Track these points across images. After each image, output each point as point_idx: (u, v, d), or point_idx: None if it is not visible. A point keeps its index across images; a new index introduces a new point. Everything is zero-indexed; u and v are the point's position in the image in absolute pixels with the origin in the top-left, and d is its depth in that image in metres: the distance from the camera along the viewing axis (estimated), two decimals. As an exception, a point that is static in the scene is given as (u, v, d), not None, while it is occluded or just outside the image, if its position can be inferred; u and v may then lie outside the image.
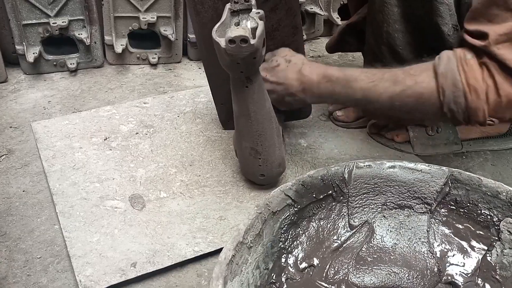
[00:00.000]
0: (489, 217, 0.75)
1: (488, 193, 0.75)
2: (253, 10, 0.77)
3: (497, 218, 0.74)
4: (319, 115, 1.25)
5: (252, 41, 0.70)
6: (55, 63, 1.41)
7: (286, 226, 0.75)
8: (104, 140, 1.13)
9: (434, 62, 0.80)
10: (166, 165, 1.05)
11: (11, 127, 1.19)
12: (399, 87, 0.81)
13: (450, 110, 0.80)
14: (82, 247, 0.84)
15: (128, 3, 1.38)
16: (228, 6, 0.79)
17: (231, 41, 0.70)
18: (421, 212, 0.80)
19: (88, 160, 1.06)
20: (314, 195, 0.77)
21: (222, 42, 0.71)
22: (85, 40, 1.35)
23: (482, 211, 0.75)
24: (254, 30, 0.75)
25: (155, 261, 0.81)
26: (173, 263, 0.81)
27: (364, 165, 0.80)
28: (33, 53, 1.34)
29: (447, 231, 0.78)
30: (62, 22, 1.33)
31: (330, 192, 0.79)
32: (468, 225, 0.77)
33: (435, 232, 0.79)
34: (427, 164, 0.79)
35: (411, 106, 0.82)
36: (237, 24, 0.79)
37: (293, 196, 0.75)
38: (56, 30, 1.33)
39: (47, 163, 1.04)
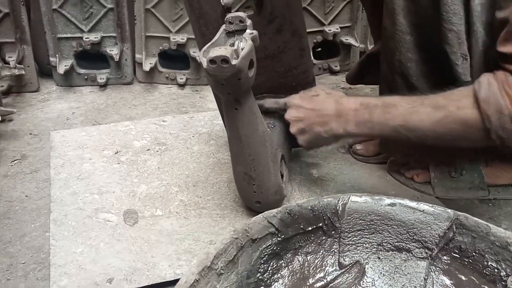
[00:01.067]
0: (496, 270, 0.66)
1: (497, 243, 0.66)
2: (247, 30, 0.75)
3: (504, 273, 0.65)
4: (338, 147, 1.19)
5: (234, 62, 0.68)
6: (86, 77, 1.45)
7: (266, 256, 0.70)
8: (115, 153, 1.13)
9: (474, 87, 0.75)
10: (170, 183, 1.03)
11: (31, 134, 1.22)
12: (442, 113, 0.76)
13: (499, 137, 0.73)
14: (64, 257, 0.82)
15: (160, 23, 1.41)
16: (223, 27, 0.77)
17: (211, 61, 0.68)
18: (420, 258, 0.72)
19: (94, 171, 1.06)
20: (301, 226, 0.72)
21: (204, 62, 0.69)
22: (114, 56, 1.37)
23: (489, 263, 0.67)
24: None
25: (132, 279, 0.78)
26: (150, 284, 0.78)
27: (361, 199, 0.73)
28: (65, 66, 1.38)
29: (447, 281, 0.70)
30: (95, 37, 1.37)
31: (321, 224, 0.73)
32: (472, 277, 0.68)
33: (434, 282, 0.70)
34: (430, 205, 0.72)
35: (456, 133, 0.76)
36: (232, 45, 0.76)
37: (277, 225, 0.70)
38: (88, 45, 1.37)
39: (54, 171, 1.05)
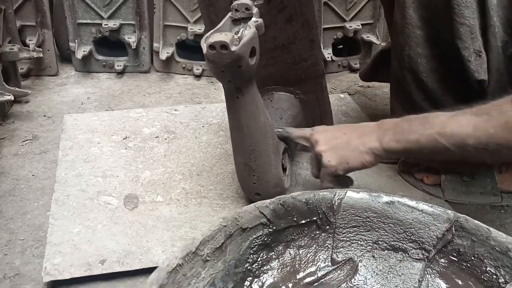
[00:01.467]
0: (494, 276, 0.63)
1: (497, 249, 0.63)
2: (252, 18, 0.74)
3: (503, 279, 0.62)
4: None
5: (233, 48, 0.66)
6: (104, 63, 1.47)
7: (256, 246, 0.68)
8: (123, 139, 1.13)
9: None
10: (174, 171, 1.03)
11: (45, 116, 1.24)
12: (483, 118, 0.70)
13: None
14: (61, 236, 0.83)
15: (178, 12, 1.41)
16: (229, 14, 0.76)
17: (211, 46, 0.67)
18: (416, 259, 0.69)
19: (101, 155, 1.06)
20: (294, 219, 0.70)
21: (204, 48, 0.68)
22: (132, 44, 1.38)
23: (488, 269, 0.64)
24: None
25: (125, 262, 0.78)
26: (142, 267, 0.77)
27: (358, 195, 0.71)
28: (83, 51, 1.40)
29: (443, 285, 0.67)
30: (113, 24, 1.39)
31: (315, 218, 0.71)
32: (469, 282, 0.65)
33: (429, 284, 0.68)
34: (429, 205, 0.69)
35: (498, 139, 0.69)
36: (237, 32, 0.75)
37: (269, 215, 0.68)
38: (107, 31, 1.39)
39: (62, 153, 1.06)
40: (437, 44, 0.84)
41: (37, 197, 0.95)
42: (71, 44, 1.42)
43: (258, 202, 0.69)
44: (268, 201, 0.69)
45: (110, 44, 1.49)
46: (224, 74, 0.72)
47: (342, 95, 1.43)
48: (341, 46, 1.67)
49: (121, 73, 1.48)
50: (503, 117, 0.68)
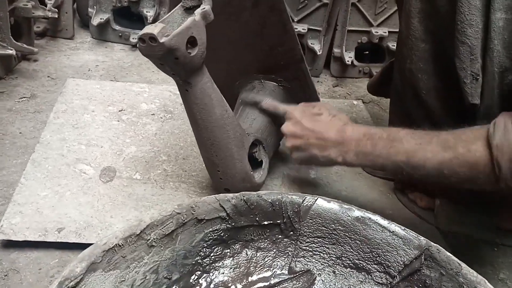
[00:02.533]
0: (457, 317, 0.58)
1: (465, 286, 0.57)
2: (200, 6, 0.69)
3: (465, 322, 0.57)
4: (348, 153, 1.11)
5: (162, 40, 0.63)
6: (120, 34, 1.45)
7: (211, 241, 0.65)
8: (119, 111, 1.11)
9: (489, 130, 0.64)
10: (161, 151, 1.00)
11: (49, 77, 1.24)
12: (450, 154, 0.66)
13: (508, 187, 0.63)
14: (27, 197, 0.81)
15: None
16: (181, 3, 0.72)
17: (140, 39, 0.64)
18: (378, 283, 0.64)
19: (91, 123, 1.04)
20: (257, 218, 0.66)
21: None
22: (149, 17, 1.36)
23: (451, 307, 0.58)
24: None
25: (82, 234, 0.76)
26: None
27: (328, 205, 0.67)
28: (100, 19, 1.39)
29: (401, 316, 0.62)
30: (134, -5, 1.37)
31: (279, 222, 0.67)
32: (430, 318, 0.60)
33: (387, 313, 0.62)
34: (402, 227, 0.64)
35: (462, 176, 0.67)
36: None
37: (229, 210, 0.65)
38: (126, 1, 1.37)
39: (54, 115, 1.05)
40: (440, 60, 0.77)
41: (18, 155, 0.94)
42: (89, 9, 1.41)
43: (220, 194, 0.65)
44: (230, 195, 0.65)
45: (131, 15, 1.47)
46: (164, 67, 0.70)
47: (355, 102, 1.37)
48: (367, 52, 1.61)
49: (135, 46, 1.46)
50: (471, 157, 0.64)
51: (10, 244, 0.74)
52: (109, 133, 1.02)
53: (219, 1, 0.83)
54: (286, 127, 0.84)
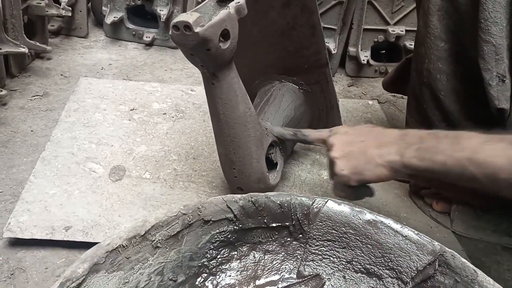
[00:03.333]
0: (471, 326, 0.55)
1: (480, 295, 0.55)
2: (235, 0, 0.68)
3: (480, 331, 0.54)
4: (362, 154, 1.09)
5: (197, 29, 0.61)
6: (134, 33, 1.45)
7: (218, 242, 0.63)
8: (130, 110, 1.10)
9: None
10: (171, 150, 0.99)
11: (62, 75, 1.24)
12: None
13: None
14: (35, 195, 0.81)
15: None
16: None
17: (175, 26, 0.62)
18: (390, 289, 0.62)
19: (102, 122, 1.04)
20: (265, 220, 0.64)
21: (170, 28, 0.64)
22: (162, 16, 1.36)
23: (466, 316, 0.56)
24: None
25: (89, 233, 0.75)
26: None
27: (338, 207, 0.64)
28: (114, 17, 1.39)
29: (414, 324, 0.59)
30: (147, -7, 1.36)
31: (288, 224, 0.65)
32: (444, 327, 0.58)
33: (399, 320, 0.60)
34: (415, 232, 0.61)
35: None
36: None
37: (236, 211, 0.63)
38: (139, 0, 1.36)
39: (65, 113, 1.05)
40: (461, 61, 0.74)
41: (28, 153, 0.94)
42: (103, 8, 1.41)
43: (227, 195, 0.64)
44: (238, 196, 0.64)
45: (144, 14, 1.47)
46: (194, 58, 0.68)
47: (370, 102, 1.34)
48: (383, 51, 1.58)
49: (149, 45, 1.45)
50: None
51: (17, 243, 0.74)
52: (119, 132, 1.02)
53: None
54: (335, 138, 0.75)
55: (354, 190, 0.76)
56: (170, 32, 0.64)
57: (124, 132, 1.02)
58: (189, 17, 0.61)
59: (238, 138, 0.76)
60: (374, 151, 0.71)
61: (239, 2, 0.67)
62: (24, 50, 1.06)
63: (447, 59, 0.76)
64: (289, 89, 0.92)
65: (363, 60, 1.43)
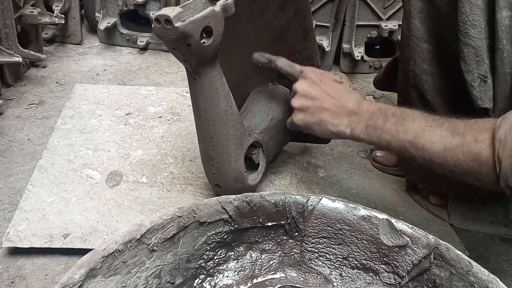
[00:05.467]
0: (468, 317, 0.55)
1: (476, 286, 0.55)
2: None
3: (477, 322, 0.55)
4: (358, 151, 1.09)
5: (177, 24, 0.61)
6: (128, 37, 1.45)
7: (214, 243, 0.64)
8: (126, 115, 1.11)
9: (497, 122, 0.61)
10: (167, 153, 0.99)
11: (57, 82, 1.24)
12: (457, 141, 0.63)
13: (508, 187, 0.59)
14: (33, 203, 0.81)
15: None
16: None
17: (156, 19, 0.63)
18: (387, 283, 0.62)
19: (98, 128, 1.04)
20: (260, 220, 0.65)
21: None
22: (155, 20, 1.36)
23: (462, 307, 0.56)
24: None
25: (88, 239, 0.75)
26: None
27: (333, 204, 0.65)
28: (107, 23, 1.39)
29: (412, 318, 0.60)
30: (139, -2, 1.36)
31: (283, 222, 0.65)
32: (441, 319, 0.58)
33: (396, 315, 0.61)
34: (410, 226, 0.62)
35: (465, 167, 0.63)
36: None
37: (231, 212, 0.63)
38: (132, 5, 1.37)
39: (61, 121, 1.05)
40: (446, 61, 0.74)
41: (25, 161, 0.95)
42: (97, 14, 1.41)
43: (222, 196, 0.64)
44: (233, 196, 0.64)
45: (138, 19, 1.47)
46: (175, 52, 0.68)
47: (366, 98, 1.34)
48: (377, 47, 1.58)
49: (143, 49, 1.46)
50: (476, 148, 0.61)
51: (17, 251, 0.74)
52: (116, 137, 1.02)
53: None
54: (300, 85, 0.80)
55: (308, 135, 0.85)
56: (152, 25, 0.65)
57: (120, 137, 1.03)
58: (171, 11, 0.62)
59: (218, 135, 0.77)
60: (327, 118, 0.77)
61: (227, 0, 0.67)
62: (18, 59, 1.07)
63: (431, 60, 0.77)
64: (280, 92, 0.92)
65: (357, 56, 1.44)
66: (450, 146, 0.63)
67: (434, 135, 0.65)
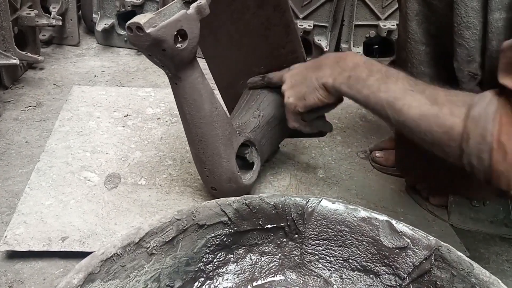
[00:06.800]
0: (469, 319, 0.55)
1: (477, 287, 0.55)
2: (198, 0, 0.68)
3: (478, 324, 0.54)
4: (357, 151, 1.09)
5: (148, 30, 0.62)
6: (125, 39, 1.45)
7: (214, 246, 0.63)
8: (124, 116, 1.10)
9: (473, 99, 0.60)
10: (166, 155, 0.99)
11: (55, 84, 1.24)
12: (434, 110, 0.63)
13: (470, 164, 0.59)
14: (31, 206, 0.80)
15: None
16: None
17: (128, 28, 0.63)
18: (387, 285, 0.62)
19: (96, 130, 1.04)
20: (260, 222, 0.64)
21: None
22: (153, 21, 1.35)
23: (464, 309, 0.56)
24: None
25: (86, 242, 0.75)
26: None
27: (332, 206, 0.64)
28: (105, 24, 1.39)
29: (413, 320, 0.59)
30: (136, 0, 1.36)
31: (283, 225, 0.65)
32: (443, 321, 0.58)
33: (397, 317, 0.60)
34: (411, 227, 0.61)
35: (435, 137, 0.62)
36: None
37: (230, 215, 0.63)
38: (129, 6, 1.36)
39: (59, 123, 1.05)
40: (443, 63, 0.74)
41: (23, 164, 0.94)
42: (94, 15, 1.41)
43: (221, 198, 0.64)
44: (232, 199, 0.64)
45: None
46: (153, 59, 0.69)
47: (365, 98, 1.34)
48: (376, 46, 1.58)
49: (141, 50, 1.45)
50: (450, 120, 0.60)
51: (15, 255, 0.73)
52: (114, 139, 1.02)
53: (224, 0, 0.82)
54: (286, 76, 0.82)
55: (309, 122, 0.85)
56: (127, 34, 0.65)
57: (119, 139, 1.02)
58: (141, 18, 0.62)
59: (206, 137, 0.77)
60: (312, 75, 0.77)
61: (200, 2, 0.67)
62: (16, 61, 1.06)
63: (429, 62, 0.76)
64: (271, 90, 0.91)
65: (356, 56, 1.43)
66: (426, 114, 0.63)
67: (414, 100, 0.64)
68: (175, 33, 0.65)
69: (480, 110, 0.57)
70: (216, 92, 1.01)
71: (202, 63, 0.94)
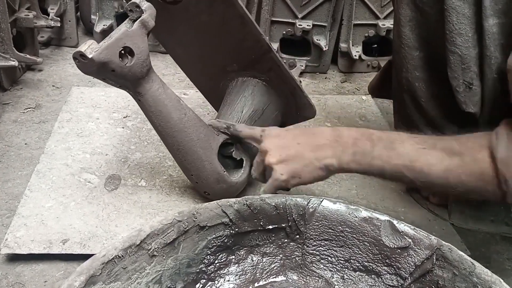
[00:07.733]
0: (472, 318, 0.55)
1: (479, 286, 0.55)
2: (142, 15, 0.69)
3: (481, 324, 0.54)
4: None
5: (91, 55, 0.63)
6: (124, 39, 1.44)
7: (215, 247, 0.63)
8: (123, 117, 1.10)
9: (491, 140, 0.61)
10: (166, 156, 0.99)
11: (53, 86, 1.23)
12: (456, 161, 0.63)
13: None
14: (31, 209, 0.80)
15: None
16: (129, 17, 0.71)
17: (74, 58, 0.65)
18: (389, 285, 0.62)
19: (96, 131, 1.04)
20: (261, 223, 0.64)
21: None
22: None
23: (466, 309, 0.56)
24: None
25: (86, 245, 0.75)
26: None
27: (334, 206, 0.64)
28: (103, 25, 1.38)
29: (415, 320, 0.59)
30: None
31: (284, 225, 0.65)
32: (445, 321, 0.58)
33: (399, 317, 0.60)
34: (412, 227, 0.61)
35: (469, 187, 0.63)
36: None
37: (231, 216, 0.63)
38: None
39: (58, 124, 1.04)
40: (437, 68, 0.74)
41: (23, 166, 0.94)
42: (92, 16, 1.40)
43: (222, 200, 0.64)
44: (233, 200, 0.64)
45: (134, 21, 1.47)
46: (108, 81, 0.71)
47: (364, 97, 1.34)
48: (375, 46, 1.58)
49: (140, 51, 1.45)
50: (478, 167, 0.61)
51: (15, 258, 0.73)
52: (113, 140, 1.02)
53: (178, 8, 0.83)
54: (268, 142, 0.76)
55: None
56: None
57: (118, 140, 1.02)
58: (83, 46, 0.64)
59: (182, 145, 0.78)
60: (310, 155, 0.72)
61: (141, 17, 0.68)
62: (14, 63, 1.06)
63: (423, 67, 0.77)
64: (249, 84, 0.91)
65: (355, 56, 1.44)
66: (450, 168, 0.63)
67: (431, 157, 0.64)
68: (120, 51, 0.66)
69: (505, 151, 0.59)
70: (197, 96, 1.02)
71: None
